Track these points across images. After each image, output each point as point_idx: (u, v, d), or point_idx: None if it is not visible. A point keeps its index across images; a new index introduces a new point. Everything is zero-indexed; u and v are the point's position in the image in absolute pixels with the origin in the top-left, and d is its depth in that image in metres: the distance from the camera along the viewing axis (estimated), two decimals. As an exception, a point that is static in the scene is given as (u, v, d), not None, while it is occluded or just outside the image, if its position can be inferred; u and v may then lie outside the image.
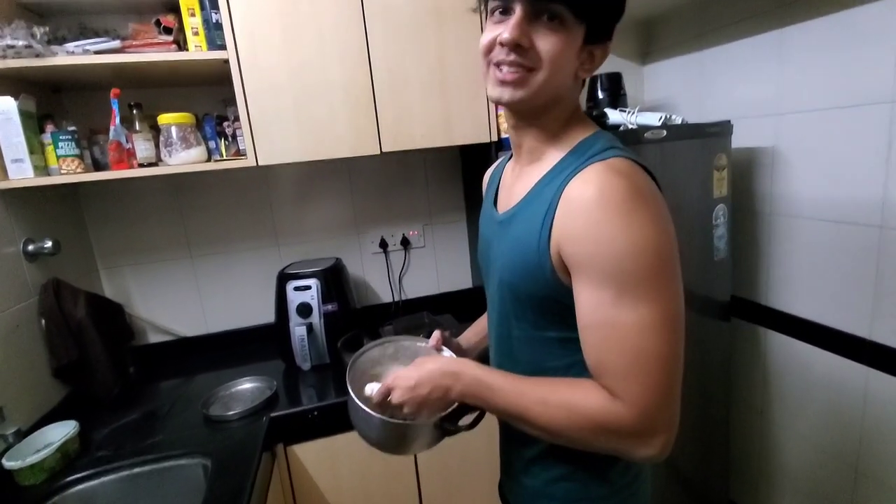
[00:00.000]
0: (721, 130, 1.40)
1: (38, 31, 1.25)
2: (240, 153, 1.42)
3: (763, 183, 1.51)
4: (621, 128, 1.38)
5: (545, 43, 0.60)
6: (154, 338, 1.71)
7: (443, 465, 1.44)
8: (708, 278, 1.47)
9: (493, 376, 0.67)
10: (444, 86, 1.44)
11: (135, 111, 1.31)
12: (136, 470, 1.11)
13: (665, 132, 1.30)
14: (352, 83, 1.37)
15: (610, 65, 1.89)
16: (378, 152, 1.42)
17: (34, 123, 1.25)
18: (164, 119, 1.30)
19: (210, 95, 1.56)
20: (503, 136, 1.50)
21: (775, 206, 1.48)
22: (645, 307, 0.56)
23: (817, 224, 1.36)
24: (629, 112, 1.42)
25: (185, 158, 1.31)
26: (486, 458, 1.46)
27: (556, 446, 0.69)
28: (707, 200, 1.41)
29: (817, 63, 1.30)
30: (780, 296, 1.51)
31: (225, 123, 1.43)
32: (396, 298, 1.90)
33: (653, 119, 1.38)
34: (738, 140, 1.49)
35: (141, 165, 1.30)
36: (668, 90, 1.85)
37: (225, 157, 1.40)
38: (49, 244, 1.29)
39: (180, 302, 1.71)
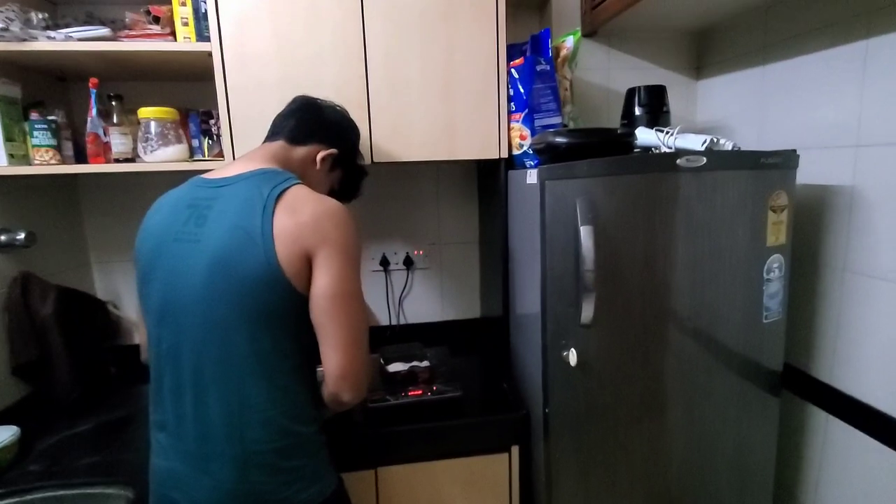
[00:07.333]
0: (782, 162, 1.13)
1: (36, 16, 1.21)
2: (222, 155, 1.31)
3: (836, 231, 1.21)
4: (653, 150, 1.15)
5: None
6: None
7: None
8: (754, 343, 1.19)
9: None
10: (449, 91, 1.27)
11: (114, 103, 1.24)
12: (60, 493, 1.01)
13: (704, 160, 1.06)
14: (345, 83, 1.23)
15: (657, 77, 1.65)
16: (368, 163, 1.27)
17: (17, 111, 1.21)
18: (143, 113, 1.22)
19: (206, 92, 1.48)
20: (514, 152, 1.31)
21: (850, 261, 1.18)
22: None
23: (906, 289, 1.06)
24: (667, 133, 1.18)
25: (161, 156, 1.23)
26: None
27: None
28: (758, 248, 1.14)
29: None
30: (846, 374, 1.20)
31: (211, 121, 1.33)
32: (395, 322, 1.74)
33: (695, 142, 1.14)
34: (805, 175, 1.21)
35: (116, 160, 1.22)
36: (724, 110, 1.58)
37: (206, 158, 1.30)
38: (21, 236, 1.24)
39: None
